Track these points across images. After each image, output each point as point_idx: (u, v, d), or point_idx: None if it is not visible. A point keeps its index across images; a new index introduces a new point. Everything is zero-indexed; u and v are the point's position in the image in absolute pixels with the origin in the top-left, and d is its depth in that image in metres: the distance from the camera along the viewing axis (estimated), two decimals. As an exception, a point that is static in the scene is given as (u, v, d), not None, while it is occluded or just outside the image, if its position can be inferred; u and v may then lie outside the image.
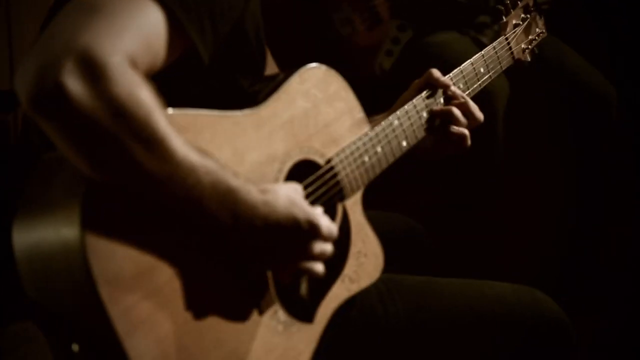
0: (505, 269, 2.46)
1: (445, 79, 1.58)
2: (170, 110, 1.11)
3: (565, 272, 2.64)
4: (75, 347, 1.05)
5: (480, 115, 1.59)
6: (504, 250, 2.59)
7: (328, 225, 1.20)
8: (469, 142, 1.56)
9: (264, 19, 1.37)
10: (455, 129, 1.54)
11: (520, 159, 2.69)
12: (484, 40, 2.52)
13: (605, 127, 2.59)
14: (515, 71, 1.92)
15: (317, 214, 1.19)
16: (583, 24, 2.82)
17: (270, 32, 1.44)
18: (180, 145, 1.04)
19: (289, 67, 1.34)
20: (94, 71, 0.97)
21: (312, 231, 1.17)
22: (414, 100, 1.51)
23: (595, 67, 2.62)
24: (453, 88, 1.58)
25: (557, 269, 2.64)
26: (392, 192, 2.59)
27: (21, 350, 1.10)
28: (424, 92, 1.55)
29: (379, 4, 2.60)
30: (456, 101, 1.57)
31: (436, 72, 1.59)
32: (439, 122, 1.55)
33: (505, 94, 2.45)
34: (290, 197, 1.17)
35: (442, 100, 1.57)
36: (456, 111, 1.54)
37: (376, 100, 1.56)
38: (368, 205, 1.69)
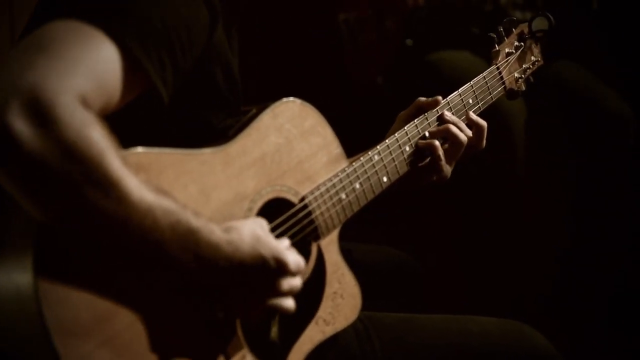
0: (501, 301, 2.41)
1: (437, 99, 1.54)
2: (138, 149, 1.08)
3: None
4: None
5: (473, 138, 1.56)
6: (504, 282, 2.54)
7: (295, 260, 1.16)
8: (449, 175, 1.53)
9: (262, 28, 1.33)
10: (439, 162, 1.50)
11: (537, 181, 2.65)
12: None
13: (621, 148, 2.54)
14: (531, 94, 1.88)
15: (284, 249, 1.15)
16: (596, 45, 2.77)
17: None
18: (136, 186, 1.00)
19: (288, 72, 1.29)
20: (41, 111, 0.93)
21: (280, 268, 1.13)
22: (396, 134, 1.47)
23: (610, 89, 2.58)
24: (447, 113, 1.54)
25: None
26: (388, 223, 2.57)
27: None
28: (408, 125, 1.50)
29: (391, 20, 2.59)
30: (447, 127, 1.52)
31: (423, 100, 1.55)
32: (423, 155, 1.51)
33: (522, 115, 2.41)
34: (255, 233, 1.13)
35: (427, 133, 1.52)
36: (454, 136, 1.51)
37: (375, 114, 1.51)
38: (359, 238, 1.64)
